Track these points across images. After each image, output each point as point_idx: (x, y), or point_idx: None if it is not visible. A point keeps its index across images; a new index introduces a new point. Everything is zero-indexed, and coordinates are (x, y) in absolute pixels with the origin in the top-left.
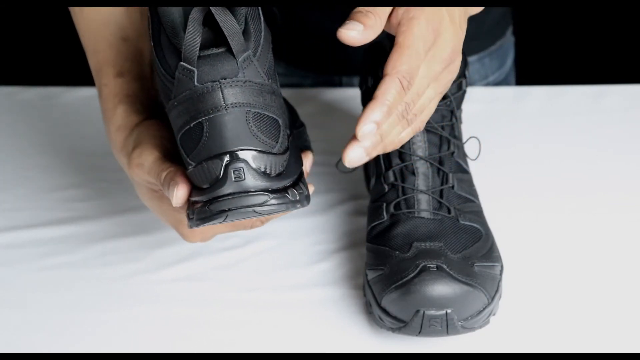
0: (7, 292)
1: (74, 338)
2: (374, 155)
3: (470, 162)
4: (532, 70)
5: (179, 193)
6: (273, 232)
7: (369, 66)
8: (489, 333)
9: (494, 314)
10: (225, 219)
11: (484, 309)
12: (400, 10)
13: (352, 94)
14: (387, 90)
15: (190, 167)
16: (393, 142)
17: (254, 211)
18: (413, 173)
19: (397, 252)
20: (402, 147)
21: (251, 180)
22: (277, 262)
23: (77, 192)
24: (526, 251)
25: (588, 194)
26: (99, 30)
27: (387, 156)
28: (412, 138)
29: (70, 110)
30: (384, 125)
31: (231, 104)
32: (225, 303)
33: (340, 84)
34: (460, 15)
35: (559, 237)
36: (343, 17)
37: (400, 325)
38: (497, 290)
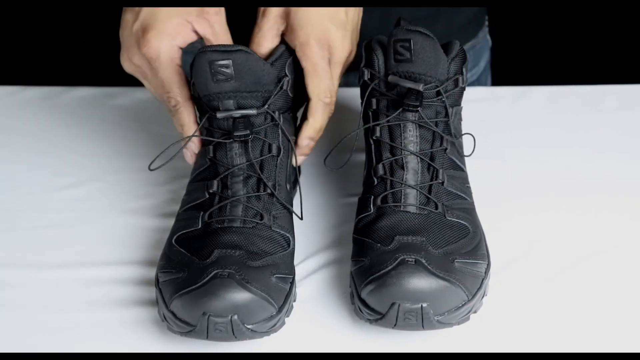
0: (7, 292)
1: (74, 338)
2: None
3: (469, 162)
4: (531, 70)
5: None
6: None
7: (366, 60)
8: (489, 333)
9: (475, 312)
10: None
11: (462, 305)
12: (290, 36)
13: (352, 94)
14: (316, 112)
15: None
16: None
17: None
18: (402, 167)
19: (379, 245)
20: (393, 141)
21: None
22: None
23: (76, 192)
24: (525, 251)
25: (588, 194)
26: None
27: (378, 150)
28: (404, 133)
29: (70, 110)
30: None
31: None
32: None
33: None
34: (348, 12)
35: (559, 237)
36: None
37: (377, 317)
38: (479, 288)
